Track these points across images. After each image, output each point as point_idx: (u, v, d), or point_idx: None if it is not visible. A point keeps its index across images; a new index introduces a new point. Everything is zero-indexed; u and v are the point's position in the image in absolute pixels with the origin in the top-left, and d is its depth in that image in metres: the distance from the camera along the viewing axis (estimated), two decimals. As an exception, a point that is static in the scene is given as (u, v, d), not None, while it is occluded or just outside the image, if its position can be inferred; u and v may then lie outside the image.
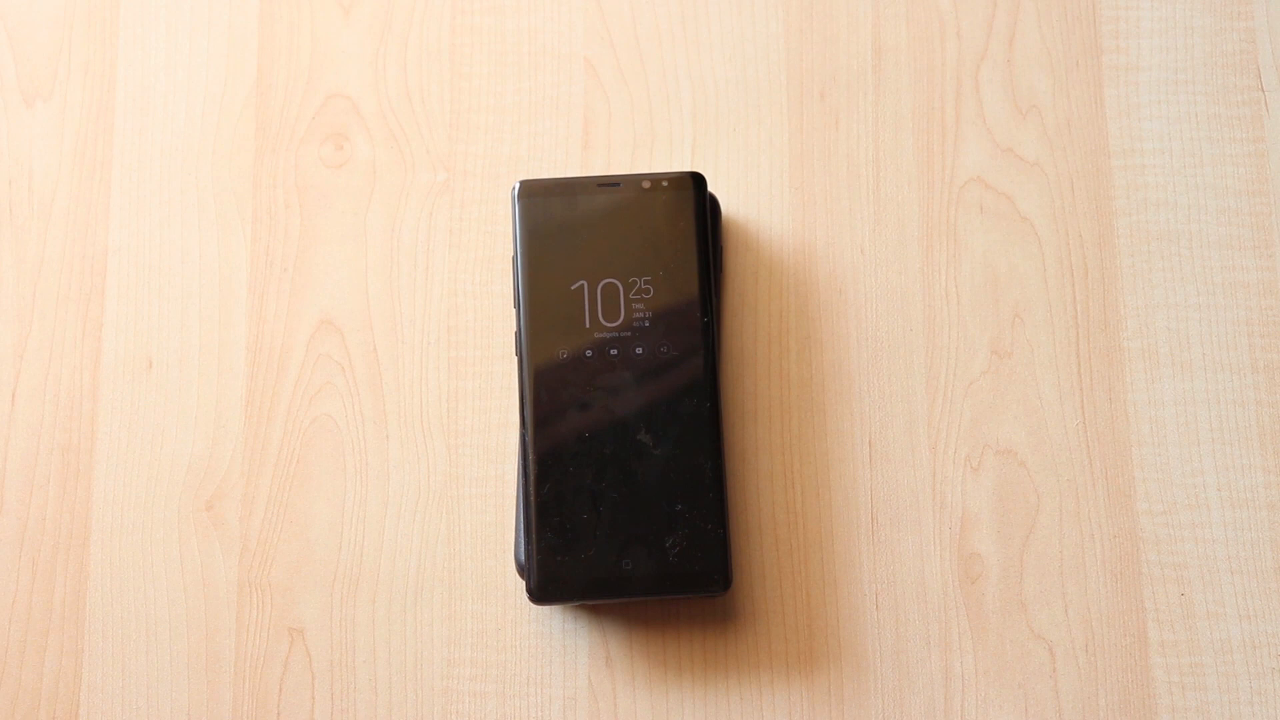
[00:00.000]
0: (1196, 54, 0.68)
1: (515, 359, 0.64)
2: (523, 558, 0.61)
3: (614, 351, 0.62)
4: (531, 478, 0.61)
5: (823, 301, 0.66)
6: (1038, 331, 0.65)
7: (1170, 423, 0.64)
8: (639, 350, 0.62)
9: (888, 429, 0.65)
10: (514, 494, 0.64)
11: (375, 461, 0.65)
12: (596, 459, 0.61)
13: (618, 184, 0.64)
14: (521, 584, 0.63)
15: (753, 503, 0.64)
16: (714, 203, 0.66)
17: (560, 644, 0.63)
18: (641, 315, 0.63)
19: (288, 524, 0.64)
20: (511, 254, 0.66)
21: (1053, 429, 0.64)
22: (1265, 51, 0.68)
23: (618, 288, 0.63)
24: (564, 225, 0.63)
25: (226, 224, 0.67)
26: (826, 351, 0.66)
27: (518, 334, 0.63)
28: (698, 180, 0.64)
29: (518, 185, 0.64)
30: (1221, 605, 0.63)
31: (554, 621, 0.63)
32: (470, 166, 0.68)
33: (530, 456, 0.62)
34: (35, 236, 0.67)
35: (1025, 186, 0.67)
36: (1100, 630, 0.63)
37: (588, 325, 0.62)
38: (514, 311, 0.65)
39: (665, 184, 0.64)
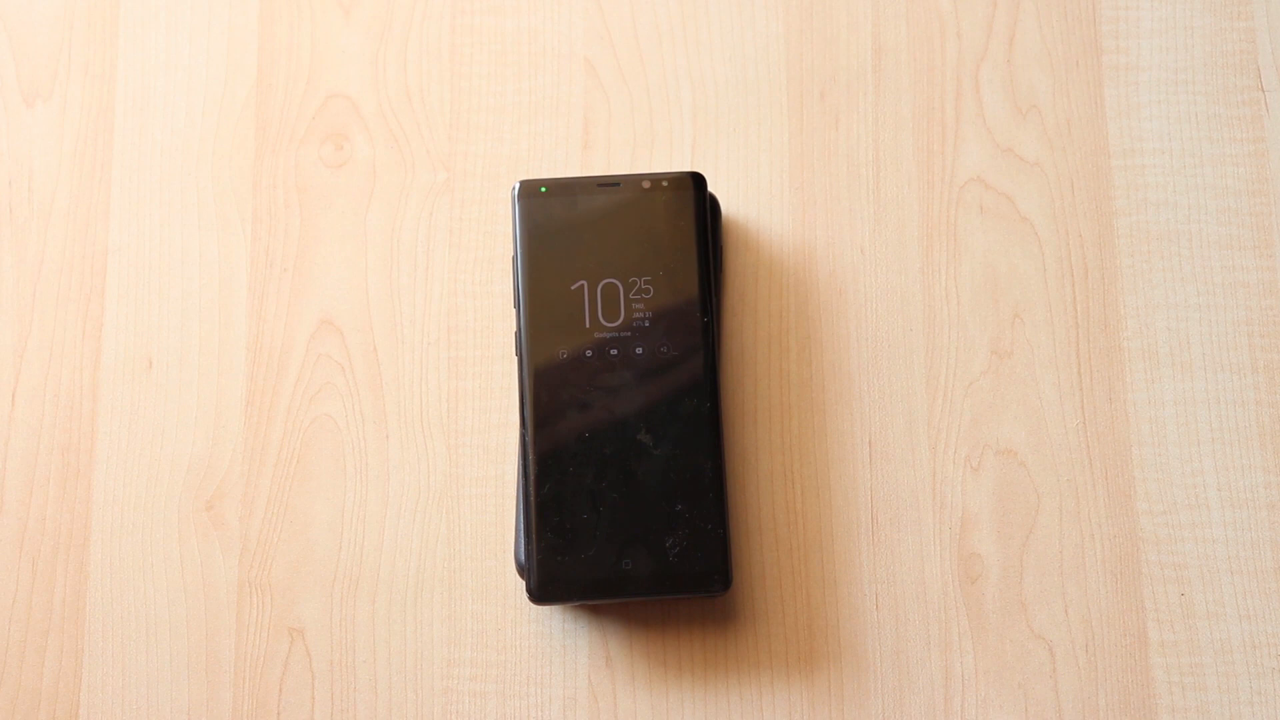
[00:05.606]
0: (1196, 54, 0.68)
1: (515, 359, 0.64)
2: (523, 558, 0.61)
3: (614, 351, 0.62)
4: (531, 478, 0.61)
5: (823, 301, 0.66)
6: (1038, 331, 0.65)
7: (1170, 423, 0.64)
8: (639, 350, 0.62)
9: (888, 429, 0.65)
10: (514, 494, 0.64)
11: (375, 461, 0.65)
12: (596, 459, 0.61)
13: (618, 184, 0.64)
14: (521, 584, 0.63)
15: (753, 503, 0.64)
16: (714, 203, 0.66)
17: (560, 644, 0.63)
18: (641, 315, 0.63)
19: (288, 524, 0.64)
20: (511, 254, 0.66)
21: (1053, 429, 0.64)
22: (1265, 51, 0.68)
23: (618, 288, 0.63)
24: (564, 225, 0.63)
25: (226, 224, 0.67)
26: (826, 351, 0.66)
27: (518, 334, 0.63)
28: (698, 180, 0.64)
29: (518, 185, 0.64)
30: (1221, 605, 0.63)
31: (554, 621, 0.63)
32: (470, 166, 0.68)
33: (530, 456, 0.62)
34: (35, 236, 0.67)
35: (1025, 186, 0.67)
36: (1100, 630, 0.63)
37: (588, 325, 0.62)
38: (514, 311, 0.65)
39: (665, 184, 0.64)
